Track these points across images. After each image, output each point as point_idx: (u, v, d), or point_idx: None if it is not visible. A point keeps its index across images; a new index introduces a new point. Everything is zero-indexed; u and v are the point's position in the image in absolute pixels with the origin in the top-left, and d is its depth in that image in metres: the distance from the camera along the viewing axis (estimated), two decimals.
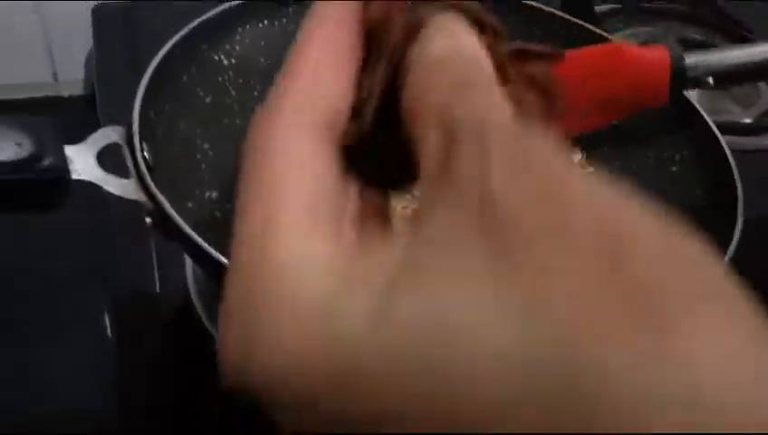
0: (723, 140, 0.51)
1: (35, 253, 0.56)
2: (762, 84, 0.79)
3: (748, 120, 0.76)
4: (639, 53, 0.47)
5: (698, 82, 0.50)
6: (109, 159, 0.42)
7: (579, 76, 0.47)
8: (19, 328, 0.51)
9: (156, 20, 0.75)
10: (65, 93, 0.83)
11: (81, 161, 0.39)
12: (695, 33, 0.79)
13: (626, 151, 0.55)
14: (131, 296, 0.55)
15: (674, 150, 0.53)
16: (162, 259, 0.55)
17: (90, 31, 0.76)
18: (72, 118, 0.80)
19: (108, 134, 0.41)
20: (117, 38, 0.75)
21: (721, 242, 0.45)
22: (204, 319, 0.50)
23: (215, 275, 0.40)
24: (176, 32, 0.51)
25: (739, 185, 0.47)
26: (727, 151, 0.50)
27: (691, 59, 0.48)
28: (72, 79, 0.82)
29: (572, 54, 0.47)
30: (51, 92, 0.82)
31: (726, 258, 0.42)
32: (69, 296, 0.54)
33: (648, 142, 0.55)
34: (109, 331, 0.53)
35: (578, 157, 0.56)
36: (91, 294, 0.55)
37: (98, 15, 0.76)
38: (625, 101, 0.49)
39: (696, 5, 0.85)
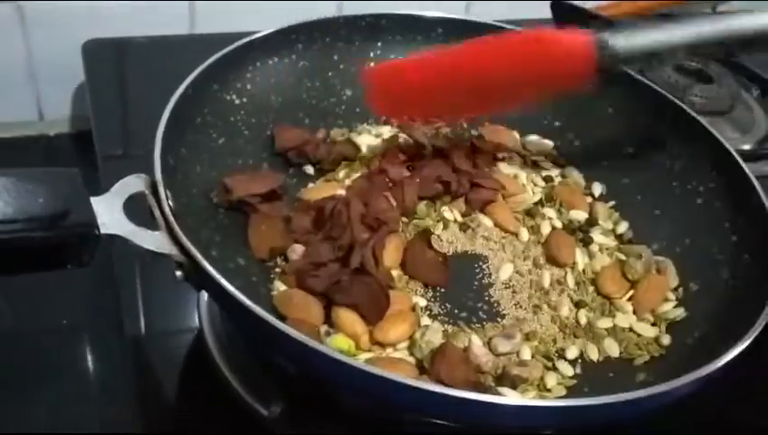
0: (747, 168, 0.50)
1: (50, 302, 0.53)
2: (756, 107, 0.79)
3: (747, 147, 0.75)
4: (559, 39, 0.46)
5: (629, 62, 0.48)
6: (131, 207, 0.40)
7: (502, 65, 0.46)
8: (34, 382, 0.48)
9: (149, 56, 0.73)
10: (51, 132, 0.80)
11: (108, 214, 0.37)
12: (691, 61, 0.79)
13: (648, 182, 0.55)
14: (145, 342, 0.52)
15: (698, 182, 0.53)
16: (172, 303, 0.53)
17: (76, 67, 0.74)
18: (60, 158, 0.78)
19: (131, 183, 0.39)
20: (108, 74, 0.73)
21: (758, 278, 0.44)
22: (220, 364, 0.48)
23: (248, 325, 0.38)
24: (168, 67, 0.50)
25: None
26: (755, 182, 0.49)
27: (617, 40, 0.46)
28: (58, 117, 0.80)
29: (494, 43, 0.47)
30: (36, 131, 0.79)
31: None
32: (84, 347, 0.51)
33: (671, 173, 0.54)
34: (116, 379, 0.50)
35: (599, 190, 0.55)
36: (108, 341, 0.53)
37: (90, 51, 0.74)
38: (549, 85, 0.48)
39: None
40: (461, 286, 0.48)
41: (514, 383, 0.42)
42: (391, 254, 0.46)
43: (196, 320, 0.50)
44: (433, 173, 0.53)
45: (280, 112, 0.55)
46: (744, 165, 0.50)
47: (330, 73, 0.58)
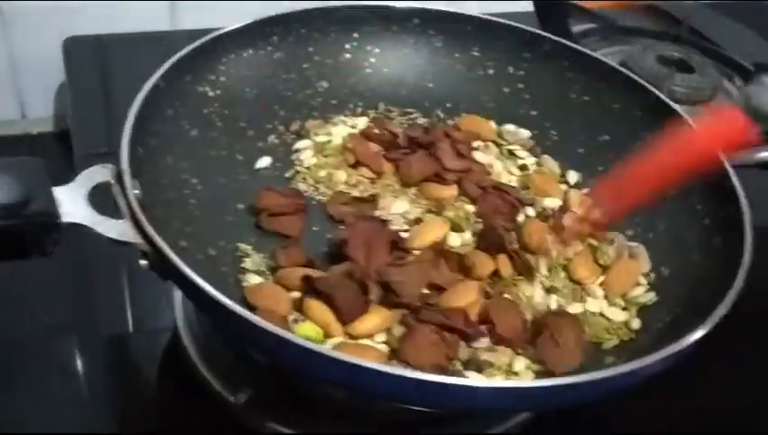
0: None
1: (17, 298, 0.53)
2: (737, 97, 0.79)
3: None
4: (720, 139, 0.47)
5: None
6: (96, 199, 0.40)
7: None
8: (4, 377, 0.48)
9: (131, 53, 0.73)
10: (34, 131, 0.80)
11: (71, 203, 0.37)
12: (672, 51, 0.79)
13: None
14: (118, 338, 0.52)
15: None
16: (145, 298, 0.53)
17: (58, 66, 0.74)
18: (42, 156, 0.77)
19: (97, 173, 0.39)
20: (89, 72, 0.73)
21: (729, 261, 0.44)
22: (195, 360, 0.48)
23: (216, 316, 0.38)
24: (149, 64, 0.50)
25: (744, 202, 0.46)
26: (727, 166, 0.49)
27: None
28: (41, 116, 0.80)
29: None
30: (19, 130, 0.80)
31: (740, 278, 0.41)
32: (54, 344, 0.51)
33: None
34: (93, 378, 0.50)
35: (575, 178, 0.55)
36: (73, 340, 0.53)
37: (70, 49, 0.74)
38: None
39: (671, 24, 0.86)
40: None
41: (481, 368, 0.42)
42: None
43: (173, 315, 0.50)
44: (423, 169, 0.53)
45: (254, 104, 0.55)
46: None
47: (305, 65, 0.58)
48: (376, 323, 0.42)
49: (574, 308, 0.46)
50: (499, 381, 0.39)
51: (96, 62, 0.74)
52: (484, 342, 0.43)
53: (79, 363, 0.51)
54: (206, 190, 0.49)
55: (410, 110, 0.60)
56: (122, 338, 0.52)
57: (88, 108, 0.70)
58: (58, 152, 0.78)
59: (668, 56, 0.78)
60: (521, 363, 0.42)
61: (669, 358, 0.37)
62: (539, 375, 0.42)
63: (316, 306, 0.42)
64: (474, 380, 0.39)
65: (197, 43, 0.52)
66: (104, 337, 0.52)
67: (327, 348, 0.36)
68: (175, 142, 0.49)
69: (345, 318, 0.42)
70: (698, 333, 0.38)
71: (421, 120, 0.59)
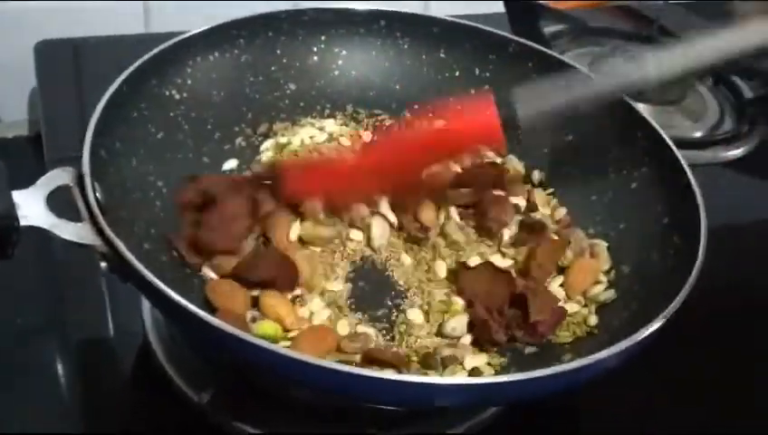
0: (680, 155, 0.51)
1: None
2: (707, 95, 0.80)
3: (698, 134, 0.76)
4: (466, 125, 0.48)
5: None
6: (59, 203, 0.41)
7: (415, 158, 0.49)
8: None
9: (104, 56, 0.73)
10: (9, 135, 0.80)
11: (30, 207, 0.37)
12: (642, 51, 0.80)
13: (586, 168, 0.55)
14: (87, 342, 0.52)
15: (632, 167, 0.53)
16: (117, 302, 0.53)
17: (32, 69, 0.74)
18: (17, 160, 0.77)
19: (57, 176, 0.40)
20: (63, 76, 0.73)
21: (685, 258, 0.45)
22: (162, 361, 0.48)
23: (174, 317, 0.38)
24: (123, 67, 0.50)
25: (701, 201, 0.47)
26: (685, 166, 0.50)
27: (524, 105, 0.47)
28: (16, 119, 0.80)
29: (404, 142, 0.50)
30: None
31: (693, 275, 0.42)
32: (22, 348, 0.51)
33: (607, 159, 0.55)
34: (64, 379, 0.50)
35: (538, 177, 0.56)
36: (45, 342, 0.53)
37: (41, 52, 0.74)
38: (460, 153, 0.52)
39: (642, 25, 0.87)
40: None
41: (444, 364, 0.42)
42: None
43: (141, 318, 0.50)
44: None
45: (222, 107, 0.56)
46: (673, 147, 0.51)
47: (273, 68, 0.59)
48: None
49: None
50: (454, 378, 0.39)
51: (69, 66, 0.74)
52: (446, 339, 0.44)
53: (54, 365, 0.51)
54: (171, 193, 0.50)
55: (378, 111, 0.60)
56: (97, 339, 0.52)
57: (60, 111, 0.70)
58: (32, 156, 0.78)
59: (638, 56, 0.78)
60: (481, 360, 0.43)
61: (620, 354, 0.37)
62: (499, 372, 0.43)
63: (268, 300, 0.43)
64: (430, 377, 0.39)
65: (162, 46, 0.52)
66: (80, 338, 0.52)
67: (281, 347, 0.36)
68: (140, 145, 0.50)
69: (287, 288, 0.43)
70: (651, 328, 0.38)
71: (389, 122, 0.60)
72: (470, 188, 0.52)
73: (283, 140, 0.56)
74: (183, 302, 0.36)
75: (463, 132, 0.47)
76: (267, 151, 0.56)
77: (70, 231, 0.38)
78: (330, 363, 0.34)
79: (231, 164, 0.55)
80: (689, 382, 0.51)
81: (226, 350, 0.37)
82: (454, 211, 0.51)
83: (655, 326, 0.39)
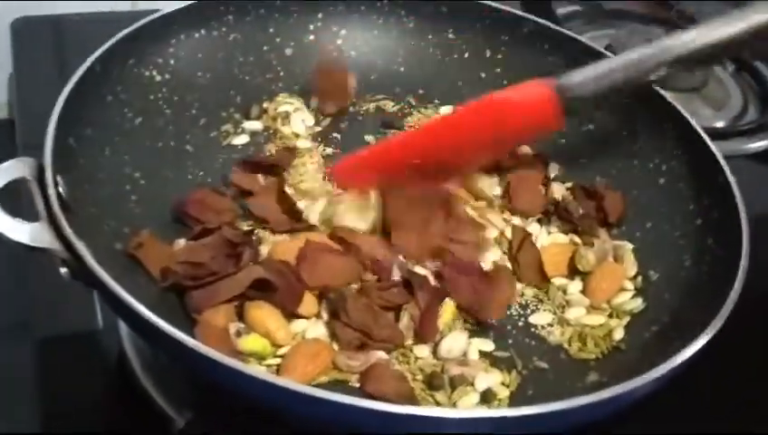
0: (714, 146, 0.46)
1: None
2: (730, 83, 0.76)
3: (721, 124, 0.72)
4: (519, 99, 0.44)
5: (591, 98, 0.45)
6: (16, 198, 0.36)
7: (466, 140, 0.45)
8: None
9: (87, 34, 0.68)
10: None
11: None
12: (660, 35, 0.75)
13: (607, 162, 0.50)
14: (59, 347, 0.48)
15: (660, 161, 0.48)
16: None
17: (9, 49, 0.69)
18: None
19: (12, 168, 0.35)
20: (42, 55, 0.68)
21: (724, 265, 0.40)
22: (137, 369, 0.43)
23: (142, 333, 0.33)
24: None
25: (740, 200, 0.42)
26: (721, 160, 0.45)
27: (575, 79, 0.44)
28: None
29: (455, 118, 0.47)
30: None
31: (737, 285, 0.37)
32: None
33: (631, 152, 0.50)
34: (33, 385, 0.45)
35: (555, 170, 0.51)
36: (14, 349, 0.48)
37: (18, 30, 0.69)
38: (515, 141, 0.48)
39: (658, 7, 0.82)
40: None
41: (453, 384, 0.37)
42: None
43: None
44: None
45: (208, 90, 0.51)
46: (709, 141, 0.46)
47: (265, 48, 0.54)
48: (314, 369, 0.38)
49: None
50: (469, 412, 0.34)
51: (49, 45, 0.69)
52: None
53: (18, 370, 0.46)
54: (149, 186, 0.45)
55: (380, 96, 0.55)
56: (65, 343, 0.47)
57: (37, 93, 0.65)
58: (9, 142, 0.74)
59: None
60: (494, 378, 0.38)
61: (660, 379, 0.32)
62: (514, 393, 0.38)
63: (255, 312, 0.38)
64: (436, 410, 0.34)
65: (142, 22, 0.48)
66: (46, 340, 0.47)
67: (271, 376, 0.31)
68: (115, 132, 0.45)
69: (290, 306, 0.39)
70: (689, 352, 0.34)
71: (391, 107, 0.55)
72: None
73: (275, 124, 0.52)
74: (154, 318, 0.31)
75: (518, 111, 0.43)
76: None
77: (23, 233, 0.33)
78: (328, 394, 0.29)
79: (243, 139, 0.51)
80: (730, 404, 0.46)
81: (205, 374, 0.32)
82: None
83: (698, 346, 0.34)
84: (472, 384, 0.38)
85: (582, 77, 0.43)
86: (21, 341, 0.48)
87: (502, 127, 0.44)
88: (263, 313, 0.38)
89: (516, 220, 0.47)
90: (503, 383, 0.38)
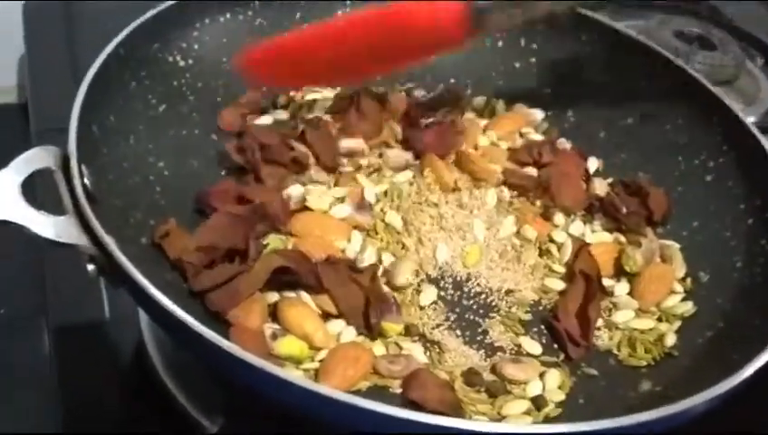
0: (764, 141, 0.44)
1: None
2: (761, 76, 0.74)
3: (752, 119, 0.69)
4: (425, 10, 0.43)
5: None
6: (38, 189, 0.34)
7: (372, 37, 0.44)
8: None
9: (101, 18, 0.66)
10: None
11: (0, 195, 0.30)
12: (691, 27, 0.73)
13: (650, 157, 0.48)
14: (79, 343, 0.46)
15: (707, 157, 0.46)
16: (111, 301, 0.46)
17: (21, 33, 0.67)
18: (3, 131, 0.71)
19: (36, 157, 0.33)
20: (53, 39, 0.66)
21: None
22: (159, 369, 0.41)
23: (176, 334, 0.31)
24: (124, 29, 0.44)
25: None
26: None
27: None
28: (5, 86, 0.73)
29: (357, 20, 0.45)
30: None
31: None
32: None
33: (676, 147, 0.48)
34: (54, 380, 0.44)
35: (595, 165, 0.49)
36: (33, 342, 0.46)
37: (30, 14, 0.67)
38: (423, 52, 0.47)
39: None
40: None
41: (504, 385, 0.36)
42: None
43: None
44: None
45: (233, 76, 0.49)
46: (761, 137, 0.44)
47: None
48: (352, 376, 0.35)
49: None
50: (505, 426, 0.32)
51: (62, 28, 0.67)
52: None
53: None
54: (174, 176, 0.43)
55: (410, 84, 0.53)
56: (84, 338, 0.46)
57: (50, 77, 0.63)
58: (20, 127, 0.72)
59: (687, 32, 0.72)
60: (553, 379, 0.36)
61: (725, 394, 0.30)
62: (573, 390, 0.36)
63: (291, 312, 0.36)
64: (482, 424, 0.32)
65: (166, 4, 0.46)
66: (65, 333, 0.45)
67: (314, 384, 0.29)
68: (139, 120, 0.43)
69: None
70: (758, 363, 0.32)
71: (422, 97, 0.53)
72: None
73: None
74: (187, 318, 0.29)
75: (413, 16, 0.42)
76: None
77: (48, 227, 0.31)
78: (371, 404, 0.27)
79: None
80: None
81: (240, 378, 0.30)
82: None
83: (763, 359, 0.32)
84: (522, 387, 0.36)
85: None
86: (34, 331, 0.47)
87: (407, 33, 0.43)
88: (299, 313, 0.35)
89: (559, 218, 0.44)
90: (560, 387, 0.36)
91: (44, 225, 0.31)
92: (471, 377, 0.36)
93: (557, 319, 0.39)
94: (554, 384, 0.36)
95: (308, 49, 0.45)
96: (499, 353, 0.38)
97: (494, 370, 0.37)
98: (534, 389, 0.36)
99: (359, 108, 0.47)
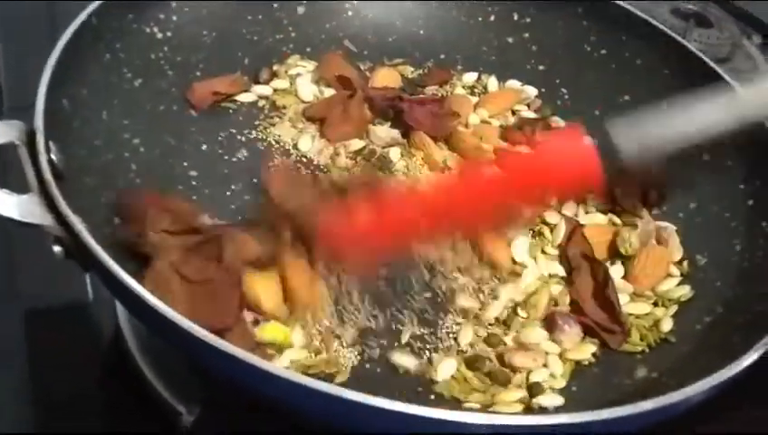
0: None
1: None
2: (756, 54, 0.73)
3: None
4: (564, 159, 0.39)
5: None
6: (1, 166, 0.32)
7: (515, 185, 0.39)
8: None
9: None
10: None
11: None
12: (687, 3, 0.72)
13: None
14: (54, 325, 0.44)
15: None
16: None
17: None
18: None
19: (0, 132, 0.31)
20: (30, 8, 0.63)
21: None
22: (135, 355, 0.40)
23: (150, 324, 0.29)
24: None
25: None
26: None
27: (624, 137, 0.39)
28: None
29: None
30: None
31: None
32: None
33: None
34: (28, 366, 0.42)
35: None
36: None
37: None
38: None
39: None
40: None
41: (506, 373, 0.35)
42: None
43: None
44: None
45: (213, 50, 0.47)
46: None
47: (275, 5, 0.50)
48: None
49: None
50: (496, 417, 0.30)
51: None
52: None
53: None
54: (150, 153, 0.41)
55: (399, 60, 0.51)
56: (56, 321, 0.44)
57: (25, 51, 0.61)
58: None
59: (684, 9, 0.71)
60: (557, 367, 0.35)
61: (725, 383, 0.29)
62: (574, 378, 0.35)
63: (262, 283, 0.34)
64: (466, 414, 0.30)
65: None
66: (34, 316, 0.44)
67: (296, 375, 0.27)
68: (113, 94, 0.41)
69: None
70: (757, 351, 0.30)
71: (410, 73, 0.51)
72: None
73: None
74: (159, 305, 0.27)
75: (554, 172, 0.38)
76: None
77: (11, 206, 0.29)
78: (362, 397, 0.26)
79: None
80: None
81: (220, 368, 0.28)
82: None
83: (759, 351, 0.30)
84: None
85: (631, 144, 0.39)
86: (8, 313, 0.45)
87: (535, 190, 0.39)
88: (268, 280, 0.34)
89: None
90: (562, 376, 0.35)
91: (7, 203, 0.29)
92: (474, 362, 0.35)
93: (582, 313, 0.38)
94: (559, 372, 0.35)
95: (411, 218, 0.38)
96: None
97: (500, 359, 0.36)
98: (538, 376, 0.35)
99: (346, 109, 0.45)
